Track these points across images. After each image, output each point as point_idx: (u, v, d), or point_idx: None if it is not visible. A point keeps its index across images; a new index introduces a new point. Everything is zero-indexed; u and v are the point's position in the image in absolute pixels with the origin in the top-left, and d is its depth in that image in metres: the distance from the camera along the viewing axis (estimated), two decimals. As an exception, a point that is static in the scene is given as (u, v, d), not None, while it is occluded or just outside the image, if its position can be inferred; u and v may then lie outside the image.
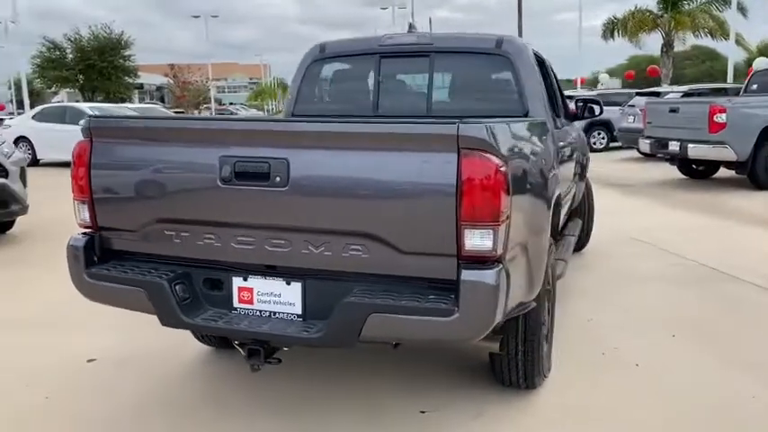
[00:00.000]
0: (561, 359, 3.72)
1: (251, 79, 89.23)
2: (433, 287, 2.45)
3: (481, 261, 2.37)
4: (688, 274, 5.61)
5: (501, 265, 2.40)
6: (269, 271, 2.66)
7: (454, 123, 2.30)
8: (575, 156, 5.15)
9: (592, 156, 6.89)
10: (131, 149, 2.77)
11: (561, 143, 4.15)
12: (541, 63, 4.70)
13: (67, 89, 37.66)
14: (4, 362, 3.86)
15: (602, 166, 14.76)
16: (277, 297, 2.66)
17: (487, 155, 2.32)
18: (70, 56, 34.25)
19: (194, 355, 3.80)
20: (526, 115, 3.87)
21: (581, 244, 6.29)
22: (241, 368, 3.47)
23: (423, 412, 3.17)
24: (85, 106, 15.90)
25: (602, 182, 12.09)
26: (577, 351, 3.91)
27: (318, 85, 4.41)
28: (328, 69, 4.40)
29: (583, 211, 6.18)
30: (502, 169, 2.35)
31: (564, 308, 4.70)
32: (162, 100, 57.25)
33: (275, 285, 2.66)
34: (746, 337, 4.12)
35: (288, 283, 2.64)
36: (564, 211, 4.41)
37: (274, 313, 2.67)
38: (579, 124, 5.82)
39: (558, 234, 3.88)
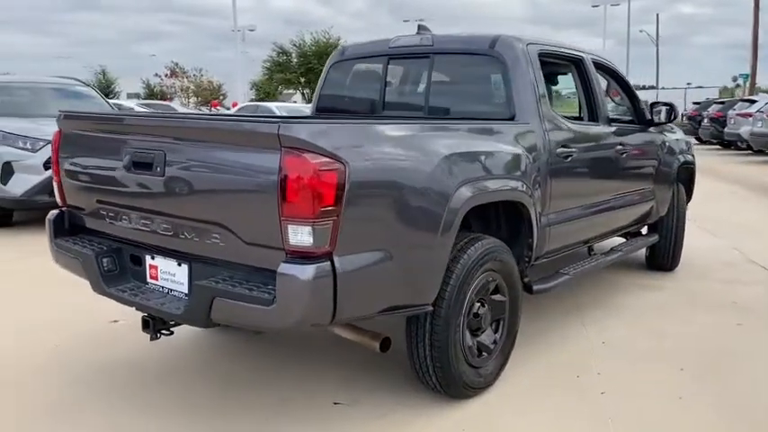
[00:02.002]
0: (523, 375, 3.56)
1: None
2: (274, 278, 2.56)
3: (305, 256, 2.45)
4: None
5: (326, 262, 2.45)
6: (170, 252, 2.97)
7: (276, 123, 2.41)
8: (623, 167, 4.68)
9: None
10: (79, 139, 3.26)
11: (566, 150, 3.87)
12: (577, 63, 4.44)
13: (290, 90, 41.51)
14: (34, 312, 4.61)
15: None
16: (172, 276, 2.96)
17: (308, 154, 2.39)
18: (294, 60, 37.79)
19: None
20: (512, 118, 3.72)
21: (662, 264, 5.71)
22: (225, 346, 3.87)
23: (336, 403, 3.26)
24: (274, 105, 17.56)
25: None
26: (550, 370, 3.67)
27: (338, 84, 4.64)
28: (347, 70, 4.59)
29: (668, 227, 5.60)
30: (325, 169, 2.40)
31: (588, 326, 4.42)
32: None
33: (171, 265, 2.96)
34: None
35: (179, 264, 2.93)
36: (573, 223, 4.09)
37: (171, 290, 2.97)
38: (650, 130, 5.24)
39: (529, 247, 3.64)
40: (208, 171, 2.66)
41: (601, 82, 4.61)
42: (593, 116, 4.46)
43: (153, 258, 3.03)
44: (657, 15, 61.89)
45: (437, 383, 3.16)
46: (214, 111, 33.45)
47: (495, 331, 3.42)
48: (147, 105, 20.75)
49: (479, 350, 3.30)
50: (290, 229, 2.42)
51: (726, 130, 19.32)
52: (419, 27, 4.28)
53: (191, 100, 47.99)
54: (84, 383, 3.49)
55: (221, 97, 51.36)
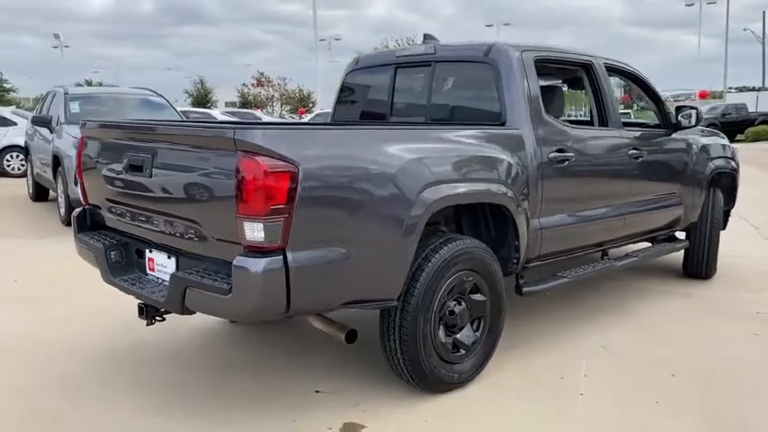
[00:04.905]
0: (508, 373, 3.65)
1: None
2: (239, 270, 2.81)
3: (258, 251, 2.68)
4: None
5: (279, 256, 2.67)
6: (162, 246, 3.28)
7: (232, 128, 2.66)
8: (638, 172, 4.60)
9: None
10: (93, 144, 3.65)
11: (561, 154, 3.90)
12: (585, 68, 4.46)
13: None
14: (82, 301, 5.05)
15: None
16: (165, 268, 3.27)
17: (260, 157, 2.62)
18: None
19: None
20: (503, 124, 3.81)
21: (695, 271, 5.57)
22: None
23: (318, 391, 3.47)
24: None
25: None
26: (537, 370, 3.73)
27: (352, 92, 4.87)
28: (360, 79, 4.82)
29: (701, 233, 5.46)
30: (276, 171, 2.62)
31: (596, 330, 4.42)
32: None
33: (163, 258, 3.27)
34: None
35: (169, 257, 3.23)
36: (573, 228, 4.11)
37: (163, 281, 3.28)
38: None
39: (516, 249, 3.71)
40: (184, 173, 2.95)
41: (612, 87, 4.58)
42: (603, 121, 4.45)
43: (151, 252, 3.36)
44: (764, 13, 58.14)
45: (409, 377, 3.30)
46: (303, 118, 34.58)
47: (476, 330, 3.53)
48: (232, 114, 21.76)
49: (455, 347, 3.41)
50: (246, 225, 2.66)
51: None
52: (425, 36, 4.44)
53: (276, 107, 49.62)
54: (98, 364, 3.88)
55: (310, 105, 52.86)
